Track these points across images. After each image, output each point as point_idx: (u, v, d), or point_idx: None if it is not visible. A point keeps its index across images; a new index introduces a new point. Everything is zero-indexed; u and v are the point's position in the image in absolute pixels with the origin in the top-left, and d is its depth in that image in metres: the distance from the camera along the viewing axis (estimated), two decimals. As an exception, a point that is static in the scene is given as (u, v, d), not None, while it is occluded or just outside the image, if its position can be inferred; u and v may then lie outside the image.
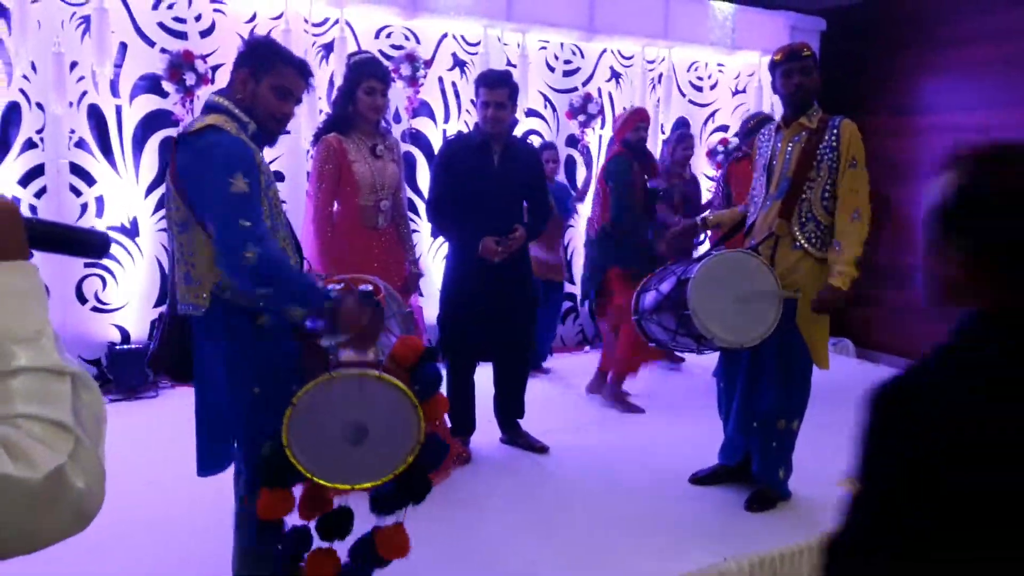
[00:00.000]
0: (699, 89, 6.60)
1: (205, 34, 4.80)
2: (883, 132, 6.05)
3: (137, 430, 3.83)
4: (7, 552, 0.72)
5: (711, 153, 6.56)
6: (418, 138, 5.50)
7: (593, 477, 3.53)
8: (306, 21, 5.02)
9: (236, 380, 2.14)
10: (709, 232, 3.75)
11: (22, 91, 4.38)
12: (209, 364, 2.19)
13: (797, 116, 3.11)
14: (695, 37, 6.23)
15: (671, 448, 3.86)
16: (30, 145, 4.42)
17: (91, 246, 0.95)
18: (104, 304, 4.74)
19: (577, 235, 6.03)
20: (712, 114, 6.68)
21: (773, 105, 6.06)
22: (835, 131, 3.05)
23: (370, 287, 2.19)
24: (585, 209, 5.63)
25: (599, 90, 6.13)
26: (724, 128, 6.68)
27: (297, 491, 2.07)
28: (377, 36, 5.30)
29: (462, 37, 5.59)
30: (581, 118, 6.01)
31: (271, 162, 5.00)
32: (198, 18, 4.76)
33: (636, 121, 4.52)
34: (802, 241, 3.06)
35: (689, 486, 3.42)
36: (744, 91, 6.73)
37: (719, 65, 6.64)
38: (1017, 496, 0.92)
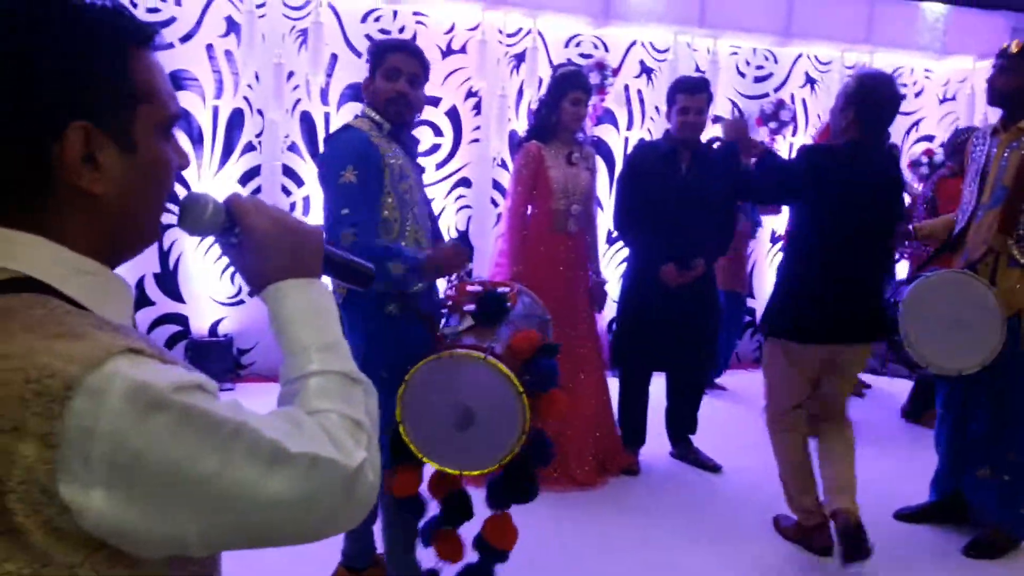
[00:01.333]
0: (902, 96, 6.17)
1: (407, 45, 5.08)
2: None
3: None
4: (311, 534, 0.75)
5: (913, 164, 6.12)
6: (599, 146, 5.51)
7: (770, 501, 3.28)
8: (500, 32, 5.19)
9: (367, 364, 2.23)
10: (908, 246, 3.51)
11: (246, 99, 4.83)
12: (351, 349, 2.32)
13: (1015, 119, 2.86)
14: (901, 41, 5.86)
15: (864, 480, 3.15)
16: (250, 148, 4.87)
17: (361, 276, 1.05)
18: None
19: (760, 246, 5.85)
20: (916, 123, 6.25)
21: (986, 115, 5.57)
22: None
23: (507, 289, 2.24)
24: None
25: (792, 96, 5.90)
26: (929, 138, 6.22)
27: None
28: (567, 45, 5.38)
29: (651, 44, 5.56)
30: (772, 125, 5.79)
31: (459, 170, 5.22)
32: (401, 30, 5.04)
33: None
34: (1019, 257, 2.81)
35: (883, 521, 3.16)
36: (953, 98, 6.24)
37: (926, 71, 6.19)
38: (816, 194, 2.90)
